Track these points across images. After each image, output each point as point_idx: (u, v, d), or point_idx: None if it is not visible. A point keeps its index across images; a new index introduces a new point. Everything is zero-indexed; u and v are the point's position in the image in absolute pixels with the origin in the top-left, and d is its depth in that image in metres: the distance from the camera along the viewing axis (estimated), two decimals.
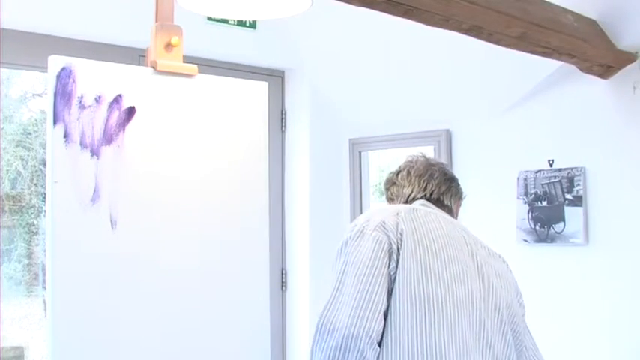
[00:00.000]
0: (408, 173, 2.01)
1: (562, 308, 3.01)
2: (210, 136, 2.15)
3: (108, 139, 1.94)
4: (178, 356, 2.05)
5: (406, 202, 1.95)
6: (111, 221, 1.94)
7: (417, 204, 1.93)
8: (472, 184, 3.38)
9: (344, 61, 3.46)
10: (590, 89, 2.92)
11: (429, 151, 3.50)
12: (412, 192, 1.99)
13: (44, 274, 2.00)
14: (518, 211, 3.14)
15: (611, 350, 2.86)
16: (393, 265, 1.57)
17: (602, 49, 2.73)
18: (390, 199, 2.02)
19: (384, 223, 1.64)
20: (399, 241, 1.60)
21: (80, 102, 1.89)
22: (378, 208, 1.84)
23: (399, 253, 1.58)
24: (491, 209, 3.26)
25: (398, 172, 2.03)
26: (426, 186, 2.01)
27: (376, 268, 1.55)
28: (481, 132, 3.31)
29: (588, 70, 2.82)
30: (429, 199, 2.01)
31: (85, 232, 1.89)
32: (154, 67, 2.03)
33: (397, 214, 1.71)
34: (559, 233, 3.01)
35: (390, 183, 2.03)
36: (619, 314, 2.84)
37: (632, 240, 2.82)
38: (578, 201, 2.96)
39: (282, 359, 3.44)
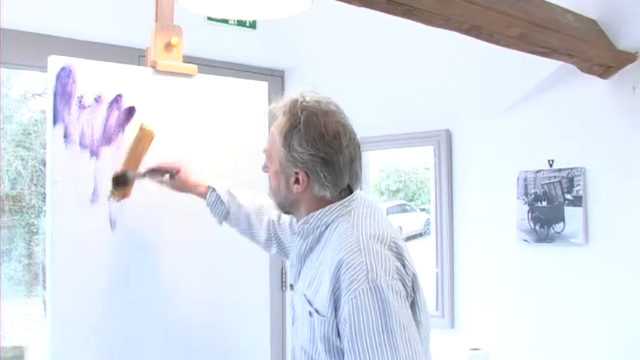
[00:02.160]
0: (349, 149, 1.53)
1: (562, 308, 3.01)
2: (210, 136, 2.15)
3: (107, 139, 1.94)
4: (178, 356, 2.05)
5: (341, 195, 1.55)
6: (110, 221, 1.95)
7: (365, 200, 1.59)
8: (472, 184, 3.39)
9: (344, 61, 3.46)
10: (590, 89, 2.91)
11: (429, 151, 3.50)
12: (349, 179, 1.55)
13: (44, 274, 2.00)
14: (518, 211, 3.14)
15: (611, 350, 2.86)
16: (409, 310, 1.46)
17: (602, 49, 2.73)
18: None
19: (397, 267, 1.43)
20: (412, 284, 1.47)
21: (80, 102, 1.89)
22: (368, 229, 1.47)
23: (413, 295, 1.47)
24: (491, 209, 3.26)
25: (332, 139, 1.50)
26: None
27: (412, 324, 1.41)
28: (481, 132, 3.31)
29: (588, 70, 2.82)
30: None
31: (85, 232, 1.89)
32: (153, 67, 2.03)
33: (395, 243, 1.48)
34: (559, 233, 3.01)
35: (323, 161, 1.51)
36: (619, 314, 2.84)
37: (632, 240, 2.82)
38: (578, 201, 2.96)
39: (282, 359, 3.44)
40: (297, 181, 1.53)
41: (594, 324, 2.91)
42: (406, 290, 1.44)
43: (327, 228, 1.53)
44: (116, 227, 1.95)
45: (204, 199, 1.96)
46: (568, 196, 2.99)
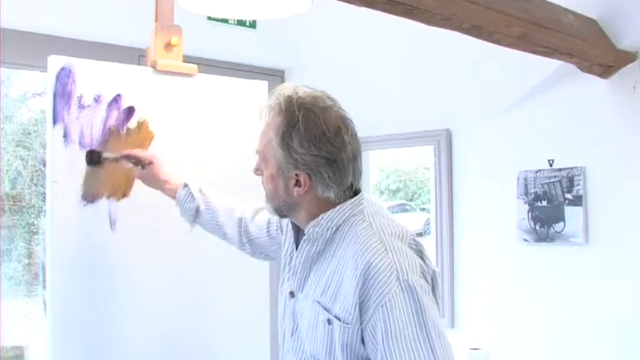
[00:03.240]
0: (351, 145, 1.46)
1: (562, 308, 3.01)
2: (210, 136, 2.15)
3: (107, 139, 1.94)
4: (178, 356, 2.05)
5: (345, 194, 1.47)
6: (110, 221, 1.95)
7: (369, 199, 1.54)
8: (472, 184, 3.39)
9: (344, 61, 3.46)
10: (590, 89, 2.91)
11: (429, 151, 3.50)
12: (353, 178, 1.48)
13: (44, 274, 2.00)
14: (518, 211, 3.14)
15: (611, 349, 2.86)
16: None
17: (602, 48, 2.73)
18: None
19: (421, 265, 1.40)
20: (432, 282, 1.44)
21: (80, 102, 1.89)
22: (389, 231, 1.42)
23: (432, 292, 1.43)
24: (491, 209, 3.26)
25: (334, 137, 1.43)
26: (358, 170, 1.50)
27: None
28: (481, 132, 3.31)
29: (588, 70, 2.82)
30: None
31: (85, 232, 1.89)
32: (153, 67, 2.03)
33: (415, 240, 1.46)
34: (559, 233, 3.01)
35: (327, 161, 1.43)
36: (619, 313, 2.84)
37: (632, 239, 2.82)
38: (578, 200, 2.96)
39: None
40: (297, 183, 1.43)
41: (594, 324, 2.91)
42: (429, 287, 1.40)
43: (337, 230, 1.44)
44: (116, 227, 1.95)
45: (174, 197, 1.89)
46: (568, 196, 2.99)
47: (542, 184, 3.07)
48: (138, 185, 1.97)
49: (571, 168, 2.98)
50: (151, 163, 1.91)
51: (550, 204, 3.04)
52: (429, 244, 3.61)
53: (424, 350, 1.31)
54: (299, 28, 3.27)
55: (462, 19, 2.15)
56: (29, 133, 3.31)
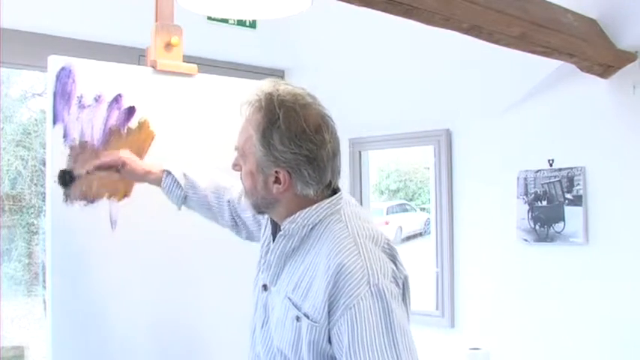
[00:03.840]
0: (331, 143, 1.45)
1: (562, 308, 3.01)
2: (209, 136, 2.15)
3: (107, 138, 1.94)
4: (178, 355, 2.05)
5: (324, 192, 1.47)
6: (110, 221, 1.95)
7: (347, 199, 1.54)
8: (472, 184, 3.39)
9: (344, 61, 3.46)
10: (590, 89, 2.92)
11: (429, 151, 3.50)
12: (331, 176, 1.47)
13: (44, 274, 2.00)
14: (518, 211, 3.14)
15: (611, 349, 2.86)
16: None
17: (602, 48, 2.73)
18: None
19: (393, 270, 1.41)
20: (403, 287, 1.45)
21: (80, 102, 1.89)
22: (361, 233, 1.41)
23: (403, 297, 1.44)
24: (491, 209, 3.26)
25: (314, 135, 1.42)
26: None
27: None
28: (481, 132, 3.31)
29: (588, 70, 2.82)
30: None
31: (85, 232, 1.89)
32: (153, 67, 2.03)
33: (389, 244, 1.46)
34: (559, 233, 3.01)
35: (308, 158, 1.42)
36: (619, 313, 2.84)
37: (632, 239, 2.82)
38: (578, 200, 2.96)
39: None
40: (277, 180, 1.42)
41: (594, 323, 2.91)
42: (400, 292, 1.41)
43: (313, 228, 1.44)
44: (116, 227, 1.95)
45: (159, 184, 1.87)
46: (568, 196, 2.99)
47: (542, 184, 3.07)
48: (139, 185, 1.97)
49: (571, 168, 2.98)
50: (124, 164, 1.87)
51: (550, 204, 3.04)
52: (429, 244, 3.61)
53: (389, 355, 1.31)
54: (299, 28, 3.27)
55: (462, 19, 2.15)
56: (29, 133, 3.31)
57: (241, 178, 1.53)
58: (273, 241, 1.51)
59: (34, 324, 3.19)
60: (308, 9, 1.92)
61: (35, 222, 3.22)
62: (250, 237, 1.85)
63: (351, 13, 2.19)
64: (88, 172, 1.88)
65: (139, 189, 1.98)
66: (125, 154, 1.88)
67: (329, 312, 1.35)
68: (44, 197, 2.04)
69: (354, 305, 1.32)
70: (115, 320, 1.93)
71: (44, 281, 2.12)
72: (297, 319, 1.40)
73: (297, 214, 1.44)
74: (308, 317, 1.38)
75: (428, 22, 2.11)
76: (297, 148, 1.39)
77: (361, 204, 3.73)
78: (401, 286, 1.42)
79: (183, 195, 1.85)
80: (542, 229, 3.06)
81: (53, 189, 1.83)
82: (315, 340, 1.38)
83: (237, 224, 1.84)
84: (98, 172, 1.88)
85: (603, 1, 2.77)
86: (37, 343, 3.13)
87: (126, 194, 1.97)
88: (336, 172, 1.46)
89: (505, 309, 3.21)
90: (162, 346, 2.02)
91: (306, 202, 1.44)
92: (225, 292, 2.15)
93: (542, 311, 3.08)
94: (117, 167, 1.87)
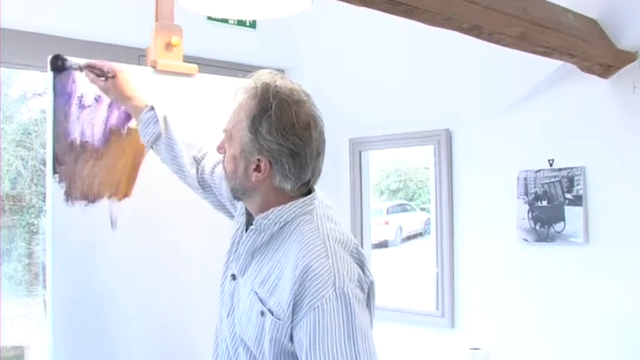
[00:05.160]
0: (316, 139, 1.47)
1: (562, 308, 3.01)
2: (209, 136, 2.15)
3: (107, 138, 1.94)
4: (178, 355, 2.05)
5: (301, 190, 1.50)
6: (111, 221, 1.95)
7: (321, 200, 1.55)
8: (472, 184, 3.39)
9: (344, 61, 3.46)
10: (590, 89, 2.91)
11: (429, 151, 3.50)
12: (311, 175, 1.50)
13: (44, 274, 2.00)
14: (518, 211, 3.14)
15: (611, 349, 2.86)
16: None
17: (602, 48, 2.73)
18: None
19: (359, 275, 1.42)
20: (368, 292, 1.46)
21: (80, 102, 1.89)
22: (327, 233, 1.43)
23: (367, 301, 1.45)
24: (491, 209, 3.26)
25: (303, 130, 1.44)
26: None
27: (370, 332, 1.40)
28: (481, 132, 3.31)
29: (588, 70, 2.82)
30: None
31: (85, 232, 1.89)
32: (154, 67, 2.03)
33: (357, 249, 1.47)
34: (559, 233, 3.01)
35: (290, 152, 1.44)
36: (619, 313, 2.84)
37: (632, 239, 2.82)
38: (578, 200, 2.96)
39: None
40: (257, 168, 1.45)
41: (594, 323, 2.91)
42: (364, 296, 1.43)
43: (284, 225, 1.46)
44: (116, 227, 1.95)
45: (138, 114, 1.88)
46: (568, 196, 2.99)
47: (542, 184, 3.07)
48: (140, 185, 1.97)
49: (571, 168, 2.98)
50: (114, 76, 1.88)
51: (550, 204, 3.04)
52: (429, 244, 3.61)
53: (348, 357, 1.32)
54: (299, 28, 3.27)
55: (462, 19, 2.15)
56: (29, 133, 3.30)
57: (223, 161, 1.55)
58: (246, 231, 1.53)
59: (34, 324, 3.19)
60: (308, 9, 1.92)
61: (35, 222, 3.22)
62: (219, 207, 1.84)
63: (352, 13, 2.19)
64: (80, 67, 1.87)
65: (140, 189, 1.98)
66: (122, 71, 1.88)
67: (293, 311, 1.37)
68: (44, 197, 2.04)
69: (317, 307, 1.34)
70: (115, 320, 1.93)
71: (44, 281, 2.12)
72: (262, 314, 1.42)
73: (271, 210, 1.47)
74: (272, 314, 1.40)
75: (428, 22, 2.11)
76: (283, 140, 1.42)
77: (361, 204, 3.73)
78: (366, 291, 1.44)
79: (157, 133, 1.85)
80: (543, 229, 3.06)
81: (53, 189, 1.83)
82: (277, 337, 1.39)
83: (202, 186, 1.83)
84: (88, 72, 1.87)
85: (603, 1, 2.77)
86: (37, 343, 3.13)
87: (126, 194, 1.97)
88: (316, 173, 1.49)
89: (505, 309, 3.20)
90: (163, 346, 2.02)
91: (281, 196, 1.47)
92: None
93: (542, 311, 3.07)
94: (107, 75, 1.87)
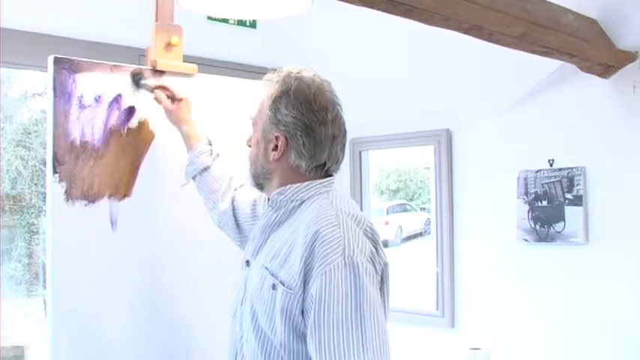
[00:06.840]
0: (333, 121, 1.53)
1: (562, 307, 3.02)
2: (210, 136, 2.15)
3: (107, 138, 1.94)
4: (178, 355, 2.05)
5: (317, 172, 1.53)
6: (111, 221, 1.94)
7: (337, 189, 1.56)
8: (472, 184, 3.39)
9: (344, 61, 3.46)
10: (590, 89, 2.92)
11: (429, 151, 3.50)
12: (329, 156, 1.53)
13: (44, 274, 2.00)
14: (518, 211, 3.14)
15: (611, 349, 2.86)
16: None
17: (602, 48, 2.73)
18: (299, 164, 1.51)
19: (372, 252, 1.39)
20: (382, 273, 1.42)
21: (80, 102, 1.89)
22: (343, 210, 1.43)
23: (381, 284, 1.42)
24: (492, 209, 3.26)
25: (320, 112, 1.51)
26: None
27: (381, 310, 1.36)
28: (481, 132, 3.31)
29: (588, 70, 2.82)
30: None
31: (85, 232, 1.89)
32: (154, 67, 2.03)
33: (372, 229, 1.45)
34: (559, 232, 3.01)
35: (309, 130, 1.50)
36: (619, 313, 2.84)
37: (632, 239, 2.82)
38: (578, 200, 2.96)
39: None
40: (275, 148, 1.50)
41: (594, 323, 2.91)
42: (377, 276, 1.39)
43: (301, 204, 1.48)
44: (116, 227, 1.95)
45: (190, 141, 1.93)
46: (568, 196, 2.99)
47: (542, 184, 3.07)
48: (140, 185, 1.97)
49: (571, 168, 2.98)
50: (181, 100, 1.96)
51: (550, 204, 3.04)
52: (429, 244, 3.61)
53: (353, 329, 1.28)
54: (299, 28, 3.27)
55: (462, 19, 2.15)
56: (29, 133, 3.30)
57: (250, 153, 1.61)
58: None
59: (34, 324, 3.19)
60: (308, 9, 1.92)
61: (35, 222, 3.22)
62: (233, 233, 1.87)
63: (352, 13, 2.19)
64: (151, 89, 1.97)
65: (140, 189, 1.98)
66: (187, 97, 1.97)
67: (304, 280, 1.35)
68: (44, 197, 2.04)
69: (325, 272, 1.32)
70: (115, 320, 1.93)
71: (44, 281, 2.12)
72: (274, 287, 1.40)
73: (288, 187, 1.50)
74: (284, 284, 1.38)
75: (428, 22, 2.11)
76: (298, 114, 1.48)
77: (361, 204, 3.73)
78: (380, 273, 1.41)
79: (206, 165, 1.90)
80: (543, 228, 3.06)
81: (53, 189, 1.83)
82: (288, 308, 1.36)
83: (229, 217, 1.86)
84: (159, 92, 1.96)
85: (603, 1, 2.77)
86: (37, 343, 3.13)
87: (126, 194, 1.97)
88: (333, 157, 1.52)
89: (505, 309, 3.21)
90: (163, 346, 2.02)
91: (297, 176, 1.50)
92: (226, 292, 2.15)
93: (543, 311, 3.08)
94: (176, 98, 1.96)
